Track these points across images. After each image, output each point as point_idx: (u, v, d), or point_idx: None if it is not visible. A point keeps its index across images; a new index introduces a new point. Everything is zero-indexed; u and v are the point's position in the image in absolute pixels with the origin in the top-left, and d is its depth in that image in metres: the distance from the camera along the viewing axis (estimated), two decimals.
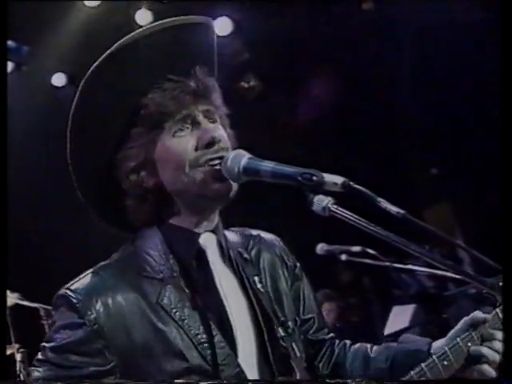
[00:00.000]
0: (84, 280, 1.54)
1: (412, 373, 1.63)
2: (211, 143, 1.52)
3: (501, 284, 1.21)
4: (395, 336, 5.33)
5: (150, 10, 5.99)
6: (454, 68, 6.03)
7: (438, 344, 1.73)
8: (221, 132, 1.57)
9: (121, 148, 1.57)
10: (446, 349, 1.67)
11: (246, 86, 6.91)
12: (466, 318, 1.75)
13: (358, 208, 1.32)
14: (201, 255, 1.58)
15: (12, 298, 4.20)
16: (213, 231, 1.61)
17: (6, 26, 1.60)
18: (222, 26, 6.38)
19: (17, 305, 4.35)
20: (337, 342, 1.82)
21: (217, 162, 1.52)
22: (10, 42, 6.07)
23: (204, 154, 1.52)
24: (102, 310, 1.47)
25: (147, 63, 1.55)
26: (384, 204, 1.26)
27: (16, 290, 4.31)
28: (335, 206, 1.33)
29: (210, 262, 1.58)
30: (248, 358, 1.52)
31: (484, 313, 1.72)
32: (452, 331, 1.74)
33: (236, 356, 1.49)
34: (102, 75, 1.52)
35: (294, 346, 1.58)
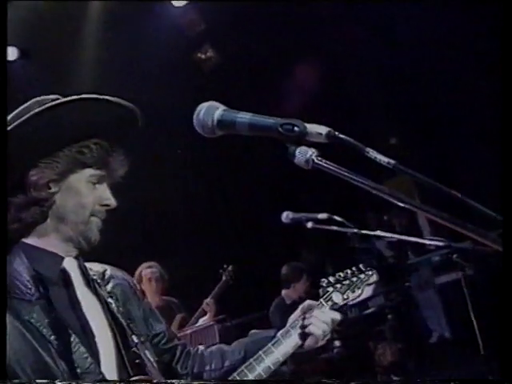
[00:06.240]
0: None
1: (251, 360, 1.93)
2: (106, 205, 1.79)
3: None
4: (360, 305, 5.36)
5: None
6: None
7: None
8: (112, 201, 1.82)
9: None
10: (279, 335, 1.98)
11: (203, 57, 6.75)
12: (301, 305, 2.07)
13: (345, 163, 1.23)
14: (65, 278, 1.75)
15: None
16: (75, 257, 1.79)
17: (6, 26, 1.51)
18: None
19: None
20: (191, 348, 2.10)
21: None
22: None
23: (99, 210, 1.78)
24: None
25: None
26: (373, 154, 1.18)
27: None
28: (319, 158, 1.25)
29: (74, 285, 1.75)
30: (109, 366, 1.69)
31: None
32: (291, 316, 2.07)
33: (99, 364, 1.66)
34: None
35: (147, 352, 1.80)
